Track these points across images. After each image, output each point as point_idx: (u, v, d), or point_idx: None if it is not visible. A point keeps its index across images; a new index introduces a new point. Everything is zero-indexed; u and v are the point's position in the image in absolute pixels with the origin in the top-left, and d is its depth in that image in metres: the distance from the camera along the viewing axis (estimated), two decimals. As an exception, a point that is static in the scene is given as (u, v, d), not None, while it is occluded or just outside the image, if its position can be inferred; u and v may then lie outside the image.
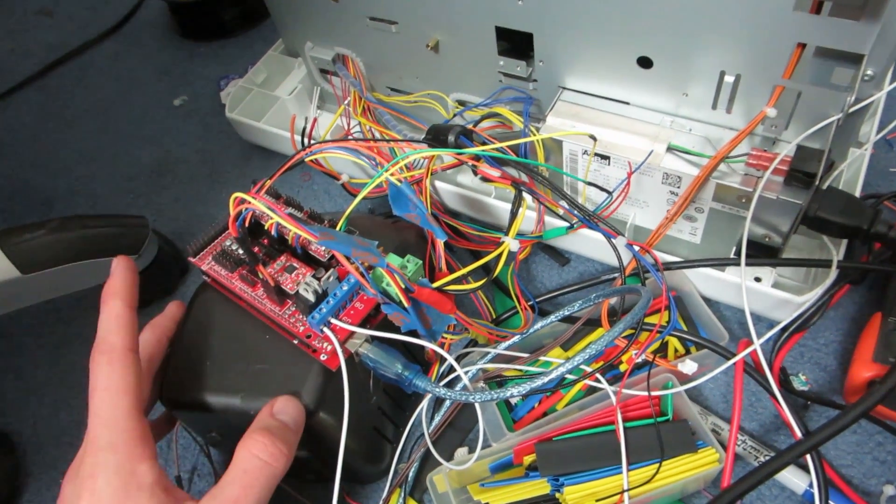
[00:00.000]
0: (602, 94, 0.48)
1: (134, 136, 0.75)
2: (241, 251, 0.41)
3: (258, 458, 0.33)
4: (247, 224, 0.39)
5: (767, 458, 0.43)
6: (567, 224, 0.48)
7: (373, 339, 0.38)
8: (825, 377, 0.47)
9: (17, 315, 0.52)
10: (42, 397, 0.55)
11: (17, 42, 0.92)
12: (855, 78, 0.39)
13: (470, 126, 0.48)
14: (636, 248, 0.43)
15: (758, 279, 0.48)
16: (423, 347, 0.43)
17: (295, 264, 0.40)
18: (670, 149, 0.44)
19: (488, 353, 0.45)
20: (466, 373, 0.43)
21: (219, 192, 0.68)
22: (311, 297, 0.36)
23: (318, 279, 0.37)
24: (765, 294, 0.45)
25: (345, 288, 0.37)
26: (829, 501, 0.40)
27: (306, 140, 0.60)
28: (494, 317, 0.50)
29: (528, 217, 0.50)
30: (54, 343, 0.58)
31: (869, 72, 0.39)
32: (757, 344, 0.40)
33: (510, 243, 0.40)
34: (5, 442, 0.52)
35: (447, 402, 0.46)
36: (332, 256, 0.39)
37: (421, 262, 0.37)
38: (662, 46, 0.42)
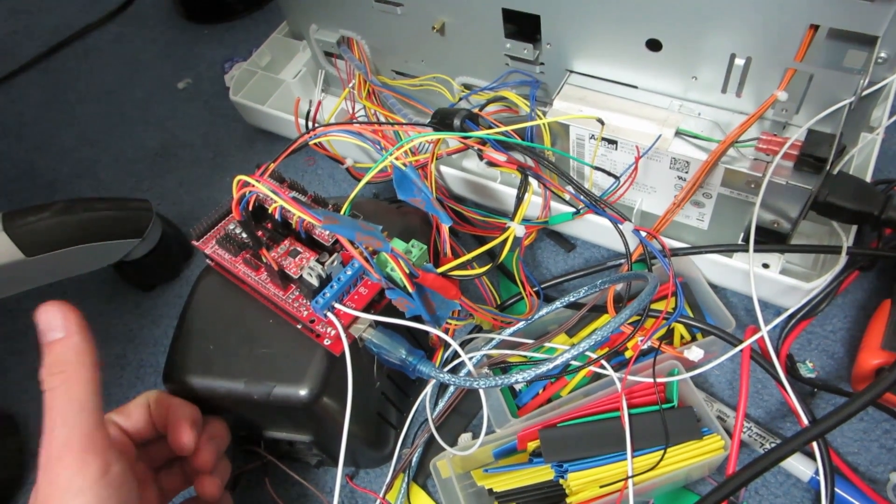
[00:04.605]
0: (610, 78, 0.47)
1: (138, 119, 0.75)
2: (244, 235, 0.40)
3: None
4: (250, 207, 0.39)
5: (773, 445, 0.42)
6: (573, 209, 0.48)
7: (377, 324, 0.37)
8: (832, 364, 0.47)
9: (22, 297, 0.52)
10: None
11: (21, 24, 0.91)
12: (868, 60, 0.38)
13: (476, 110, 0.47)
14: (643, 233, 0.42)
15: (766, 265, 0.48)
16: (427, 333, 0.42)
17: (299, 248, 0.39)
18: (679, 133, 0.43)
19: (493, 338, 0.44)
20: (471, 359, 0.43)
21: (223, 175, 0.68)
22: (315, 282, 0.36)
23: (322, 263, 0.37)
24: (773, 280, 0.45)
25: (349, 272, 0.37)
26: (835, 489, 0.39)
27: (310, 124, 0.59)
28: (499, 303, 0.50)
29: (533, 202, 0.50)
30: (59, 326, 0.58)
31: (883, 54, 0.38)
32: (764, 331, 0.40)
33: (516, 229, 0.40)
34: (10, 424, 0.53)
35: (451, 388, 0.46)
36: (336, 241, 0.39)
37: (425, 247, 0.36)
38: (672, 29, 0.42)
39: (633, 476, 0.38)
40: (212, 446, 0.39)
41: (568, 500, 0.39)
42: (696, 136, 0.43)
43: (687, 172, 0.43)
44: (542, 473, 0.40)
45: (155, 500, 0.38)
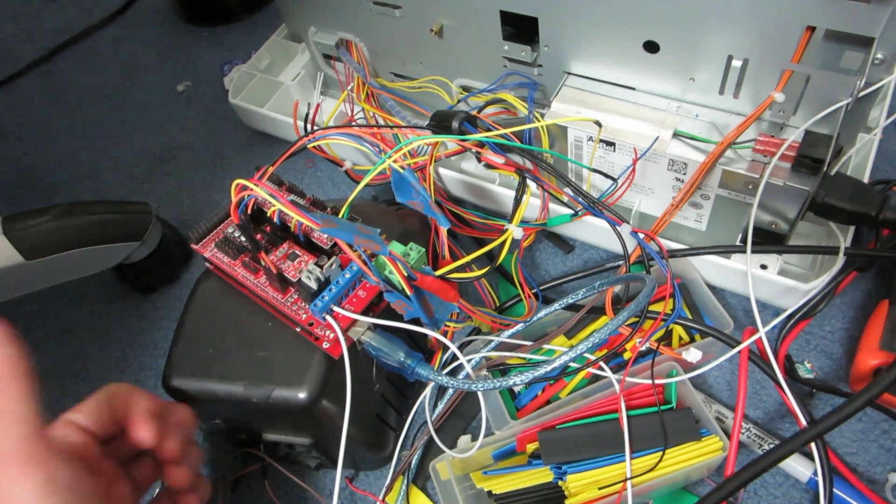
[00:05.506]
0: (608, 80, 0.47)
1: (137, 121, 0.75)
2: (243, 238, 0.40)
3: None
4: (249, 211, 0.39)
5: (772, 446, 0.42)
6: (571, 211, 0.48)
7: (375, 326, 0.38)
8: (831, 365, 0.47)
9: (22, 301, 0.52)
10: (47, 383, 0.55)
11: (21, 26, 0.91)
12: (865, 62, 0.38)
13: (474, 112, 0.47)
14: (641, 235, 0.42)
15: (764, 266, 0.48)
16: (425, 335, 0.43)
17: (297, 252, 0.39)
18: (676, 135, 0.43)
19: (492, 341, 0.44)
20: (469, 361, 0.43)
21: (222, 178, 0.68)
22: (314, 285, 0.36)
23: (321, 267, 0.37)
24: (771, 281, 0.45)
25: (347, 276, 0.37)
26: (834, 489, 0.39)
27: (309, 126, 0.59)
28: (497, 305, 0.50)
29: (532, 204, 0.50)
30: (59, 329, 0.59)
31: (879, 55, 0.38)
32: (762, 332, 0.40)
33: (514, 231, 0.40)
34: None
35: (450, 390, 0.46)
36: (335, 244, 0.39)
37: (424, 249, 0.37)
38: (669, 30, 0.42)
39: (631, 477, 0.38)
40: (177, 435, 0.37)
41: (567, 501, 0.40)
42: (693, 138, 0.43)
43: (685, 174, 0.44)
44: (541, 475, 0.41)
45: (129, 493, 0.36)
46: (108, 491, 0.34)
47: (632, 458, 0.39)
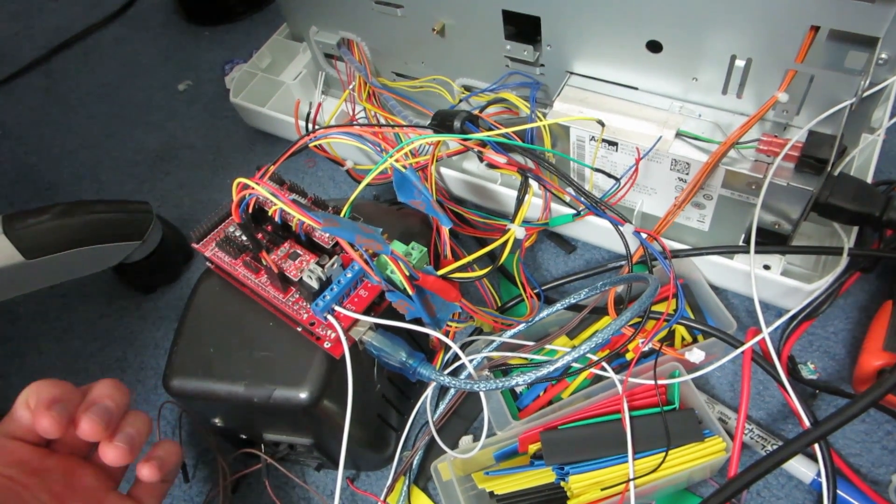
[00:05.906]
0: (610, 79, 0.47)
1: (138, 121, 0.75)
2: (244, 237, 0.40)
3: None
4: (250, 210, 0.39)
5: (775, 447, 0.42)
6: (574, 211, 0.48)
7: (377, 326, 0.37)
8: (834, 366, 0.47)
9: (22, 300, 0.52)
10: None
11: (22, 25, 0.91)
12: (869, 62, 0.38)
13: (476, 112, 0.47)
14: (644, 235, 0.42)
15: (767, 267, 0.48)
16: (427, 335, 0.42)
17: (299, 251, 0.39)
18: (679, 135, 0.43)
19: (493, 341, 0.44)
20: (471, 361, 0.43)
21: (223, 177, 0.67)
22: (315, 285, 0.36)
23: (322, 266, 0.37)
24: (774, 282, 0.45)
25: (349, 275, 0.37)
26: (837, 490, 0.39)
27: (310, 125, 0.59)
28: (499, 305, 0.50)
29: (534, 204, 0.50)
30: (59, 328, 0.58)
31: (883, 55, 0.38)
32: (765, 332, 0.40)
33: (516, 230, 0.40)
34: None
35: (452, 391, 0.46)
36: (336, 243, 0.39)
37: (426, 249, 0.36)
38: (672, 30, 0.42)
39: (634, 478, 0.38)
40: (94, 413, 0.35)
41: (569, 502, 0.39)
42: (696, 138, 0.43)
43: (688, 174, 0.43)
44: (543, 476, 0.40)
45: (94, 479, 0.36)
46: (69, 482, 0.34)
47: (634, 459, 0.39)
